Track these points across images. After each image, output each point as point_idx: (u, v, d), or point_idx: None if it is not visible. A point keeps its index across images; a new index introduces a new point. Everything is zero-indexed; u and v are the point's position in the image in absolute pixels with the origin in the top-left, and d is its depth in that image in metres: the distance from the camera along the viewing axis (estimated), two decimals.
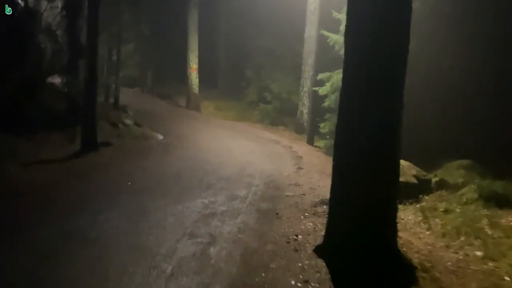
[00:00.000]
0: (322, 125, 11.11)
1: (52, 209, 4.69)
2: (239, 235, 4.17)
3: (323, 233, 4.10)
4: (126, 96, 17.47)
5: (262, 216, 4.87)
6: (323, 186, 6.56)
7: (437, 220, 5.39)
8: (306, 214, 4.98)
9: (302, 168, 8.04)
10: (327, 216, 4.85)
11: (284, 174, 7.44)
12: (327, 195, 5.99)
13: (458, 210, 5.68)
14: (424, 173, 7.06)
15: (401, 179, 6.21)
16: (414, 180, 6.57)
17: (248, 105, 18.36)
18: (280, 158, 9.24)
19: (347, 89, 3.56)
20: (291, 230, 4.41)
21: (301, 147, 11.28)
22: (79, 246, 3.73)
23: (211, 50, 20.89)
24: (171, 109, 16.66)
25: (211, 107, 18.78)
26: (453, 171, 7.94)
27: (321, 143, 11.44)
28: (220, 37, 21.70)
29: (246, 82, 18.66)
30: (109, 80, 12.87)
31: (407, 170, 6.81)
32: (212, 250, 3.75)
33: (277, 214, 4.95)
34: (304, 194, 5.97)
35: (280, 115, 16.30)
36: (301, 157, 9.49)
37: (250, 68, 18.41)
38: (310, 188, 6.40)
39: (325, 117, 11.04)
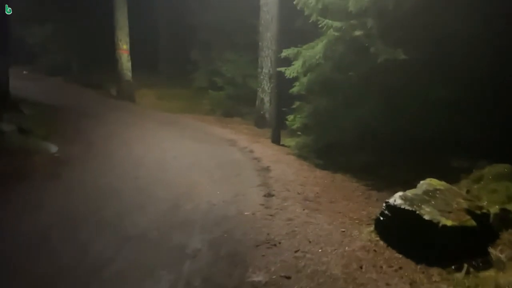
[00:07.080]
0: (290, 117, 8.23)
1: None
2: None
3: None
4: (41, 87, 13.81)
5: None
6: (317, 242, 3.62)
7: None
8: None
9: (273, 195, 5.04)
10: None
11: (245, 213, 4.41)
12: (335, 271, 3.05)
13: None
14: (477, 201, 4.31)
15: (451, 220, 3.55)
16: (471, 222, 3.74)
17: (196, 92, 15.19)
18: (238, 174, 6.19)
19: None
20: None
21: (265, 149, 8.29)
22: None
23: (149, 28, 17.39)
24: (96, 101, 13.04)
25: (152, 96, 15.35)
26: (492, 184, 5.36)
27: (290, 141, 8.51)
28: (158, 12, 18.10)
29: (193, 65, 15.44)
30: None
31: (452, 200, 4.04)
32: None
33: None
34: (288, 277, 2.99)
35: (235, 104, 13.27)
36: (268, 168, 6.51)
37: (196, 48, 15.19)
38: (296, 251, 3.39)
39: (294, 106, 8.17)
